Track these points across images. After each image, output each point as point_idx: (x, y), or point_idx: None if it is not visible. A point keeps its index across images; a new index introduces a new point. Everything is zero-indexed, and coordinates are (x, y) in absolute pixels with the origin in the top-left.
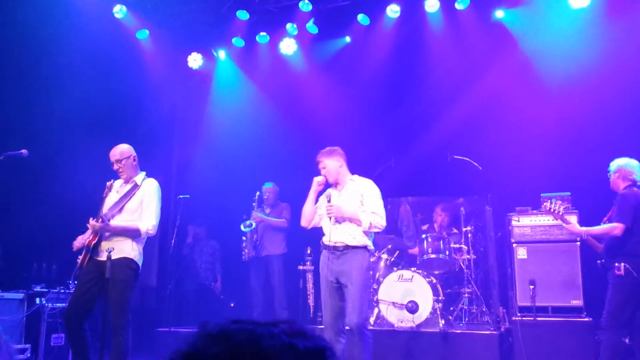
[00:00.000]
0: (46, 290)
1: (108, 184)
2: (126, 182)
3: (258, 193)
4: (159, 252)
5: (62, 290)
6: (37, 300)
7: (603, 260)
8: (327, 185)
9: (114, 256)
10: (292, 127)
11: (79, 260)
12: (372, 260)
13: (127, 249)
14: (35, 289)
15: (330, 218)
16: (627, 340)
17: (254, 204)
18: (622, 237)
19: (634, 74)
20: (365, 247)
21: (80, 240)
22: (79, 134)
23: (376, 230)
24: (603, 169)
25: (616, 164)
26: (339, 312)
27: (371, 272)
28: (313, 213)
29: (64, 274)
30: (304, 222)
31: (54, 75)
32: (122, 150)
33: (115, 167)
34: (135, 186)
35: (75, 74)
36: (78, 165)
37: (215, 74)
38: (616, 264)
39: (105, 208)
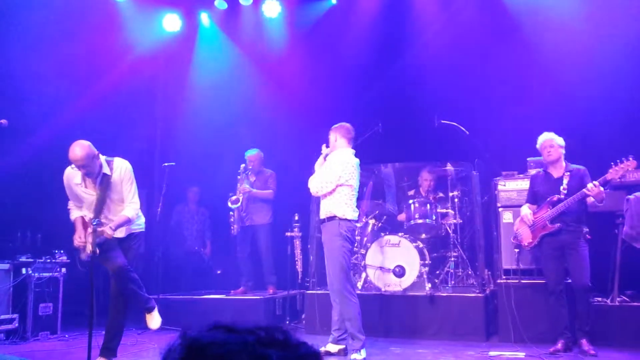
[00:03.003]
0: (32, 260)
1: (69, 182)
2: (96, 178)
3: (243, 165)
4: (146, 220)
5: (49, 260)
6: (24, 271)
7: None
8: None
9: (121, 235)
10: (277, 91)
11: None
12: (358, 225)
13: (134, 227)
14: (20, 259)
15: None
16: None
17: (238, 177)
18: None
19: (621, 42)
20: (334, 217)
21: (79, 241)
22: (56, 100)
23: (314, 191)
24: (588, 134)
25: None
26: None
27: (365, 240)
28: None
29: (50, 244)
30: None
31: (27, 37)
32: (87, 152)
33: (83, 171)
34: (105, 176)
35: (49, 37)
36: (57, 132)
37: (197, 37)
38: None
39: (91, 208)
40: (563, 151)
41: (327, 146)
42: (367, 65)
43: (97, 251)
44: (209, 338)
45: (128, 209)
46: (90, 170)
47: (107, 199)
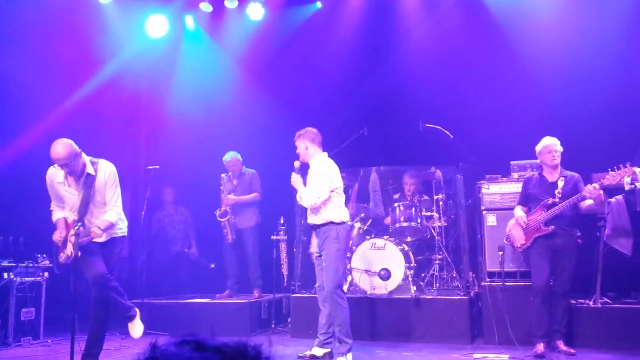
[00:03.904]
0: (14, 264)
1: (52, 181)
2: (79, 177)
3: (223, 175)
4: (130, 224)
5: (31, 264)
6: (5, 275)
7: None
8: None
9: (105, 239)
10: (262, 95)
11: (63, 254)
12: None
13: (113, 231)
14: (2, 264)
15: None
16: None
17: (221, 187)
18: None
19: (603, 48)
20: (331, 222)
21: (59, 236)
22: (39, 103)
23: (306, 206)
24: (570, 139)
25: None
26: (322, 282)
27: (351, 244)
28: None
29: (32, 248)
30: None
31: (10, 39)
32: (69, 151)
33: (65, 170)
34: (89, 177)
35: (33, 40)
36: (40, 135)
37: (182, 39)
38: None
39: (73, 209)
40: None
41: (298, 158)
42: (353, 69)
43: (79, 254)
44: (174, 355)
45: (110, 213)
46: (73, 169)
47: (90, 200)
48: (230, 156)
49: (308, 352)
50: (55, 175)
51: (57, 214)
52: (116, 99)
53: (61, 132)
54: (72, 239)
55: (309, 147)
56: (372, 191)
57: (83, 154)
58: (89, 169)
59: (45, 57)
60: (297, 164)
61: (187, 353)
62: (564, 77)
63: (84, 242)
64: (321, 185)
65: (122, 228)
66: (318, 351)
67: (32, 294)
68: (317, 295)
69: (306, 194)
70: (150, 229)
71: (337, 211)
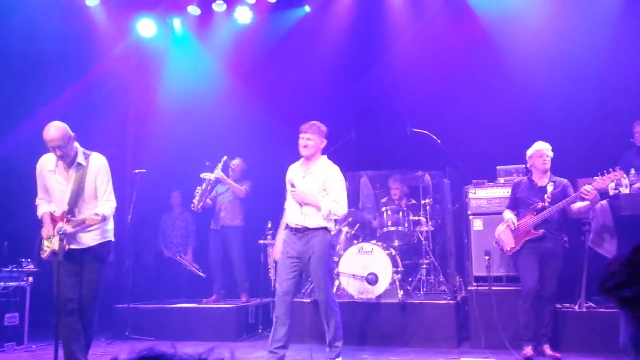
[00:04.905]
0: None
1: (42, 169)
2: (70, 165)
3: (225, 157)
4: (116, 228)
5: (15, 269)
6: None
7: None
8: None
9: (92, 243)
10: (250, 99)
11: (47, 248)
12: (332, 233)
13: (103, 233)
14: None
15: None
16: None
17: (219, 164)
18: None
19: (588, 52)
20: (325, 228)
21: (48, 234)
22: (24, 106)
23: (335, 217)
24: (556, 144)
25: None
26: (290, 286)
27: (338, 248)
28: None
29: (16, 252)
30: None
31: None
32: (62, 133)
33: (58, 152)
34: (81, 167)
35: (17, 41)
36: (24, 138)
37: (170, 43)
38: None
39: (61, 202)
40: None
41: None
42: (340, 73)
43: (61, 259)
44: None
45: (103, 206)
46: (66, 153)
47: (80, 194)
48: (239, 160)
49: None
50: (46, 163)
51: (42, 208)
52: (103, 102)
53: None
54: (56, 244)
55: (323, 144)
56: (362, 195)
57: (77, 144)
58: (80, 159)
59: (31, 60)
60: (289, 187)
61: None
62: (550, 82)
63: (78, 231)
64: (341, 193)
65: (110, 231)
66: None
67: (16, 298)
68: (296, 301)
69: (336, 204)
70: (140, 230)
71: (332, 221)
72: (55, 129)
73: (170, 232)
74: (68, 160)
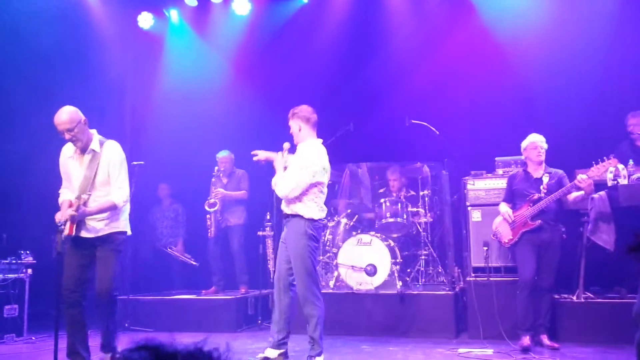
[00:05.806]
0: None
1: (64, 157)
2: (83, 151)
3: (216, 168)
4: None
5: (14, 261)
6: None
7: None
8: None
9: (102, 232)
10: (248, 90)
11: (63, 233)
12: (330, 225)
13: (114, 223)
14: None
15: None
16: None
17: (212, 179)
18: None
19: (585, 46)
20: (299, 216)
21: (60, 217)
22: (24, 100)
23: (279, 195)
24: (553, 136)
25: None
26: (282, 271)
27: (337, 239)
28: None
29: (15, 244)
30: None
31: None
32: (71, 116)
33: (67, 136)
34: (95, 154)
35: (19, 33)
36: (24, 132)
37: (167, 34)
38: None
39: (75, 186)
40: None
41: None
42: (339, 64)
43: (60, 249)
44: None
45: (115, 194)
46: (78, 137)
47: (91, 180)
48: (223, 154)
49: (261, 355)
50: (67, 149)
51: (63, 195)
52: (101, 94)
53: (45, 127)
54: (57, 237)
55: (302, 129)
56: (364, 187)
57: (94, 131)
58: (95, 146)
59: (29, 54)
60: (286, 145)
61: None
62: (548, 75)
63: (65, 241)
64: (302, 175)
65: (123, 221)
66: (272, 352)
67: (16, 290)
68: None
69: (281, 182)
70: (139, 222)
71: (310, 206)
72: (64, 113)
73: (159, 224)
74: (80, 145)
